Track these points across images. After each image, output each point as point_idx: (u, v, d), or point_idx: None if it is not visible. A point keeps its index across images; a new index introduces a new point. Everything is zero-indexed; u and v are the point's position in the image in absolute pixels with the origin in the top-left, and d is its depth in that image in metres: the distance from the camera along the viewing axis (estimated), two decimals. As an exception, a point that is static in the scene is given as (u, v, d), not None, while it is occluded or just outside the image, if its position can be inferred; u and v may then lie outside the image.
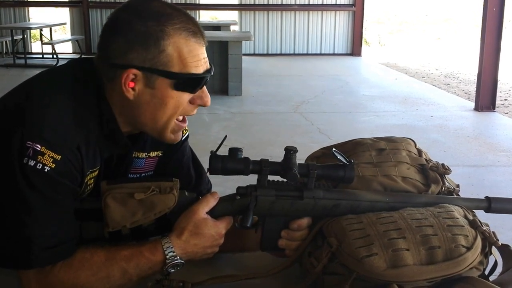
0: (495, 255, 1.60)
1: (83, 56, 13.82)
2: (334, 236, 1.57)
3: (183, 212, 1.63)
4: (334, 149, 1.66)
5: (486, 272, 1.61)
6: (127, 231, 1.62)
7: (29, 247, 1.44)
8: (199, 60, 1.60)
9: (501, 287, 1.48)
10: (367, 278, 1.51)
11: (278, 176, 1.66)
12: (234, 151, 1.64)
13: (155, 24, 1.55)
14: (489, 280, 1.55)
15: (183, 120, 1.68)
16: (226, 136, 1.71)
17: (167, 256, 1.54)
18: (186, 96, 1.62)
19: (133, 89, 1.58)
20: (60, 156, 1.49)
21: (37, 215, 1.45)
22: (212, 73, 1.66)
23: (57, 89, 1.58)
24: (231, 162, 1.62)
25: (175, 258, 1.54)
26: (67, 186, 1.51)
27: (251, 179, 1.75)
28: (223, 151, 1.70)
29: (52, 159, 1.48)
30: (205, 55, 1.64)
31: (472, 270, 1.52)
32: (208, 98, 1.67)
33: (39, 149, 1.47)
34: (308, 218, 1.67)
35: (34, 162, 1.46)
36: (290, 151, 1.60)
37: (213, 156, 1.63)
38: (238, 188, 1.67)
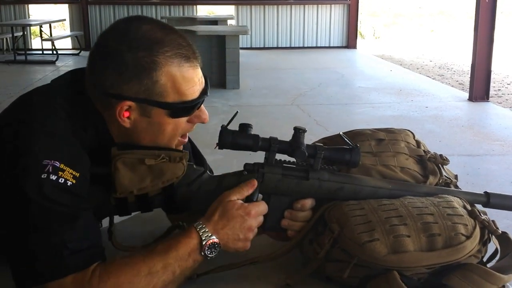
0: (495, 242, 1.61)
1: (81, 52, 13.88)
2: (336, 222, 1.58)
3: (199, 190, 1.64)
4: (341, 132, 1.69)
5: (486, 259, 1.62)
6: (133, 199, 1.62)
7: (60, 252, 1.41)
8: (194, 84, 1.58)
9: (499, 273, 1.50)
10: (368, 264, 1.52)
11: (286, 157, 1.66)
12: (245, 127, 1.62)
13: (146, 55, 1.51)
14: (487, 267, 1.55)
15: (184, 136, 1.68)
16: (237, 112, 1.65)
17: (202, 237, 1.52)
18: (184, 119, 1.61)
19: (128, 118, 1.57)
20: (78, 174, 1.49)
21: (60, 224, 1.43)
22: (208, 93, 1.63)
23: (56, 110, 1.56)
24: (241, 137, 1.60)
25: (210, 237, 1.52)
26: (85, 199, 1.51)
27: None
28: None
29: (72, 176, 1.47)
30: (200, 74, 1.61)
31: (470, 258, 1.53)
32: (205, 115, 1.65)
33: (58, 165, 1.46)
34: (312, 199, 1.67)
35: (56, 176, 1.45)
36: (299, 130, 1.61)
37: (224, 130, 1.60)
38: (246, 165, 1.65)
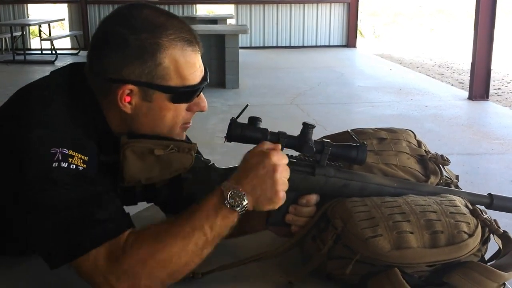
0: (497, 242, 1.62)
1: (81, 51, 13.90)
2: (339, 218, 1.58)
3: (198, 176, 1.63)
4: (349, 129, 1.71)
5: (488, 259, 1.63)
6: (140, 189, 1.62)
7: (88, 224, 1.41)
8: (195, 69, 1.59)
9: (499, 270, 1.51)
10: (370, 260, 1.52)
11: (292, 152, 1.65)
12: (254, 120, 1.61)
13: (150, 37, 1.52)
14: (487, 265, 1.57)
15: (187, 122, 1.68)
16: (247, 105, 1.66)
17: (224, 189, 1.48)
18: (183, 106, 1.62)
19: (129, 103, 1.57)
20: (87, 157, 1.49)
21: (82, 200, 1.44)
22: (208, 80, 1.64)
23: (55, 103, 1.57)
24: (250, 130, 1.59)
25: (231, 187, 1.48)
26: (98, 180, 1.51)
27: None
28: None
29: (81, 160, 1.47)
30: (201, 61, 1.62)
31: (471, 256, 1.54)
32: (204, 103, 1.66)
33: (67, 152, 1.46)
34: (317, 195, 1.67)
35: (67, 163, 1.44)
36: (307, 126, 1.60)
37: (233, 122, 1.58)
38: None
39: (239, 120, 1.60)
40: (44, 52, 14.76)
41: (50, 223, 1.43)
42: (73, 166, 1.45)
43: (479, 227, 1.57)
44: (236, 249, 1.79)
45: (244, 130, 1.59)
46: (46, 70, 8.77)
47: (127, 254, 1.41)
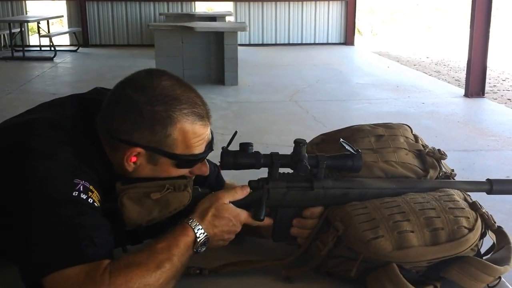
0: (492, 236, 1.64)
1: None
2: (340, 221, 1.61)
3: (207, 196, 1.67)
4: (342, 140, 1.70)
5: (483, 253, 1.65)
6: (143, 229, 1.65)
7: (86, 243, 1.44)
8: (202, 140, 1.64)
9: (495, 265, 1.54)
10: (373, 260, 1.55)
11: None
12: (245, 146, 1.65)
13: (163, 109, 1.57)
14: (483, 259, 1.59)
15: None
16: (236, 132, 1.72)
17: (197, 234, 1.56)
18: (185, 170, 1.67)
19: (134, 163, 1.62)
20: (100, 198, 1.55)
21: (90, 221, 1.47)
22: (213, 148, 1.70)
23: (74, 142, 1.60)
24: (242, 156, 1.64)
25: (204, 235, 1.56)
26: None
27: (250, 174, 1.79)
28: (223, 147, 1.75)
29: (98, 199, 1.52)
30: (209, 132, 1.68)
31: (468, 251, 1.56)
32: (206, 167, 1.72)
33: (88, 186, 1.51)
34: (321, 207, 1.70)
35: (86, 196, 1.49)
36: (299, 144, 1.63)
37: (225, 151, 1.64)
38: (250, 182, 1.68)
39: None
40: (43, 48, 14.73)
41: (46, 234, 1.44)
42: (90, 200, 1.50)
43: (479, 220, 1.59)
44: (240, 247, 1.83)
45: (237, 158, 1.65)
46: (45, 67, 8.80)
47: (105, 278, 1.42)
